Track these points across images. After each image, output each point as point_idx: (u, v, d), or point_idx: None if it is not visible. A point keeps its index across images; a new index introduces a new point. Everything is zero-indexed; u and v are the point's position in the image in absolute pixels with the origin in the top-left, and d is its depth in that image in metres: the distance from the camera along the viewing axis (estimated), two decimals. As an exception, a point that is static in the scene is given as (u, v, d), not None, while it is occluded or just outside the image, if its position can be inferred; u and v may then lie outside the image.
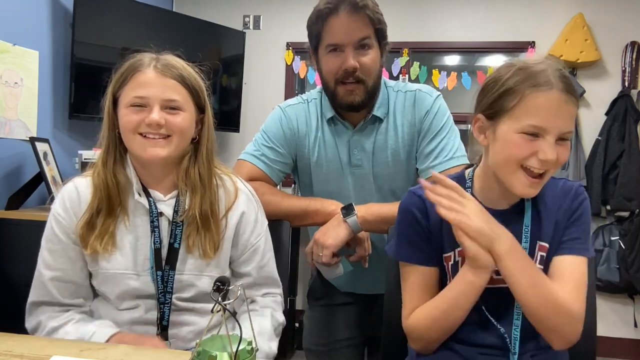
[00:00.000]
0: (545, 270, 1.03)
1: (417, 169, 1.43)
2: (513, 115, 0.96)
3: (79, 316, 1.13)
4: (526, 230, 1.03)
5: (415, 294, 1.08)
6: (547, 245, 1.04)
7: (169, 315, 1.11)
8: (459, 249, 1.05)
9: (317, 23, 1.35)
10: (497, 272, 1.01)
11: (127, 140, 1.10)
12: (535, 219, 1.04)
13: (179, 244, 1.12)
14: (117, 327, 1.11)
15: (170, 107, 1.08)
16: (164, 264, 1.11)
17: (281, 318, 1.22)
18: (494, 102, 0.99)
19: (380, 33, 1.36)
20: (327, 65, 1.36)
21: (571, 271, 1.00)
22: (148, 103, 1.07)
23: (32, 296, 1.13)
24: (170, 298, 1.11)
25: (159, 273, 1.10)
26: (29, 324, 1.13)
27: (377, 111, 1.42)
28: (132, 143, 1.09)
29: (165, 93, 1.07)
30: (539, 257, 1.04)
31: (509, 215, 1.04)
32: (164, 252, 1.12)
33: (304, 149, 1.47)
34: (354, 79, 1.33)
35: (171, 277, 1.11)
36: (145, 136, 1.07)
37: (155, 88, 1.07)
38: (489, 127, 1.02)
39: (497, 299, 1.03)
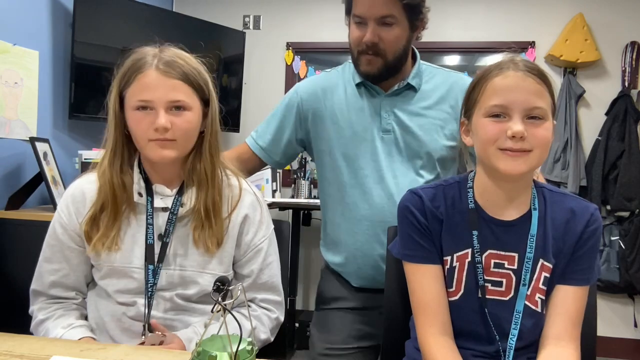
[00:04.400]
0: (548, 291, 1.03)
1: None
2: (480, 104, 1.01)
3: (60, 312, 1.15)
4: (531, 239, 1.03)
5: (423, 297, 1.06)
6: (550, 266, 1.03)
7: (150, 311, 1.11)
8: (457, 254, 1.05)
9: None
10: (499, 284, 1.02)
11: (139, 145, 1.10)
12: (541, 235, 1.03)
13: (178, 238, 1.13)
14: (90, 330, 1.13)
15: (175, 107, 1.08)
16: (157, 259, 1.12)
17: (263, 336, 1.18)
18: (467, 100, 1.05)
19: (409, 9, 1.37)
20: (352, 34, 1.41)
21: (575, 306, 1.02)
22: (153, 106, 1.06)
23: (32, 284, 1.18)
24: (154, 293, 1.11)
25: (151, 267, 1.11)
26: (30, 309, 1.18)
27: (412, 80, 1.45)
28: (143, 148, 1.10)
29: (170, 94, 1.06)
30: (542, 278, 1.03)
31: (516, 227, 1.04)
32: (165, 248, 1.13)
33: (323, 110, 1.50)
34: (373, 52, 1.38)
35: (161, 271, 1.12)
36: (155, 140, 1.08)
37: (159, 90, 1.06)
38: (469, 125, 1.05)
39: (499, 311, 1.03)
